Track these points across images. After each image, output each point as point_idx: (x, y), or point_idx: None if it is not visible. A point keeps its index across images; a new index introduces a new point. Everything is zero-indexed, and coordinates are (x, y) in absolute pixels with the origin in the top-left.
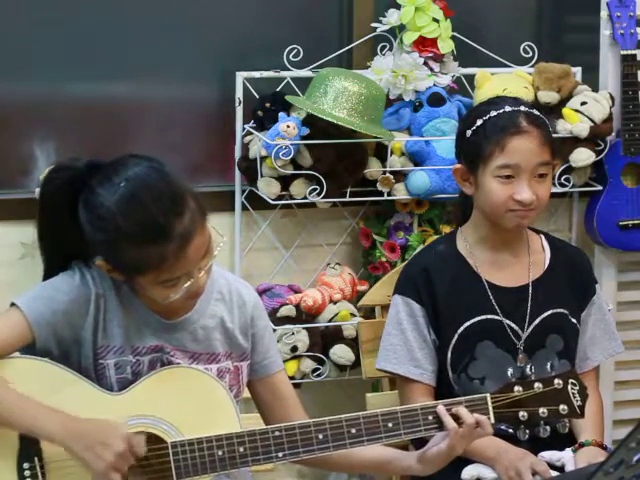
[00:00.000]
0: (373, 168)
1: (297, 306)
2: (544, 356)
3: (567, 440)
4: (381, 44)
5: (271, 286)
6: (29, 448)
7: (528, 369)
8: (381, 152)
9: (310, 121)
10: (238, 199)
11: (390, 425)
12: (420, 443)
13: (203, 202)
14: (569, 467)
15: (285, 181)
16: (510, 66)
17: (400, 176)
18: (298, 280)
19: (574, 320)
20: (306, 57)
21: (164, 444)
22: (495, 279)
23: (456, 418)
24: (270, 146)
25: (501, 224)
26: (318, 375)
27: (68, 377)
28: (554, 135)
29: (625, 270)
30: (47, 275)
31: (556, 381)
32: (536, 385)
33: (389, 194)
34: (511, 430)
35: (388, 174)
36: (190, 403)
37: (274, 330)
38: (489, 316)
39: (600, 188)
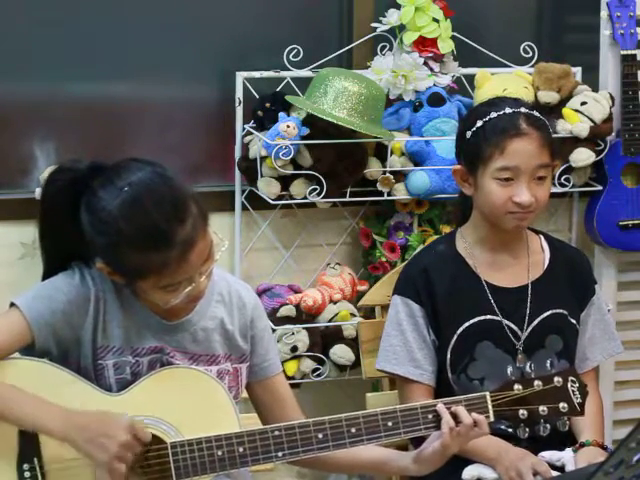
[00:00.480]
0: (373, 168)
1: (297, 306)
2: (543, 356)
3: (567, 439)
4: (381, 44)
5: (271, 286)
6: (29, 449)
7: (528, 367)
8: (381, 152)
9: (310, 121)
10: (238, 199)
11: (390, 424)
12: (419, 443)
13: (204, 206)
14: (569, 467)
15: (285, 181)
16: (510, 66)
17: (400, 176)
18: (298, 280)
19: (573, 320)
20: (306, 57)
21: (164, 444)
22: (494, 279)
23: (454, 417)
24: (270, 146)
25: (500, 225)
26: (318, 375)
27: (67, 378)
28: (554, 135)
29: (625, 270)
30: (46, 275)
31: (556, 379)
32: (536, 383)
33: (389, 194)
34: (511, 430)
35: (388, 174)
36: (190, 403)
37: (274, 330)
38: (488, 317)
39: (600, 188)
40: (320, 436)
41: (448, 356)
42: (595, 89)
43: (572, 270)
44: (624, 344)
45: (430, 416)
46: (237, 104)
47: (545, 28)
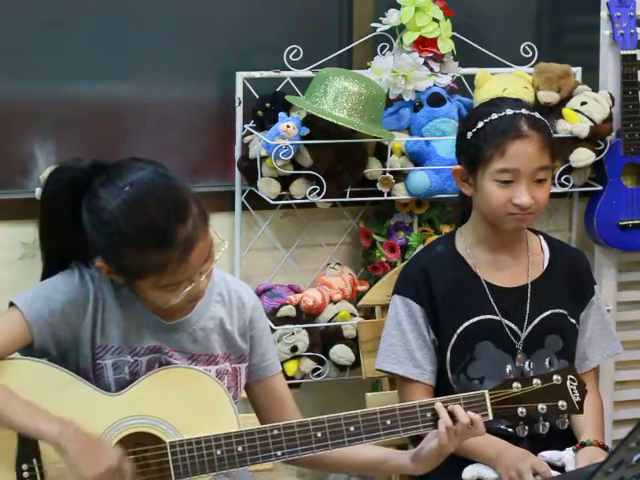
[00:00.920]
0: (373, 168)
1: (297, 306)
2: (543, 356)
3: (566, 437)
4: (381, 44)
5: (271, 286)
6: (28, 449)
7: (527, 366)
8: (381, 152)
9: (310, 121)
10: (238, 199)
11: (388, 423)
12: (419, 441)
13: (205, 206)
14: (570, 467)
15: (285, 181)
16: (510, 66)
17: (400, 176)
18: (298, 280)
19: (573, 320)
20: (306, 57)
21: (163, 444)
22: (494, 279)
23: (451, 416)
24: (270, 146)
25: (500, 225)
26: (318, 375)
27: (66, 378)
28: (554, 135)
29: (625, 270)
30: (46, 274)
31: (555, 377)
32: (535, 381)
33: (389, 194)
34: (511, 429)
35: (388, 174)
36: (189, 403)
37: (274, 330)
38: (488, 316)
39: (600, 188)
40: (319, 435)
41: (448, 356)
42: (595, 89)
43: (572, 270)
44: (624, 344)
45: (428, 414)
46: (237, 104)
47: (545, 28)
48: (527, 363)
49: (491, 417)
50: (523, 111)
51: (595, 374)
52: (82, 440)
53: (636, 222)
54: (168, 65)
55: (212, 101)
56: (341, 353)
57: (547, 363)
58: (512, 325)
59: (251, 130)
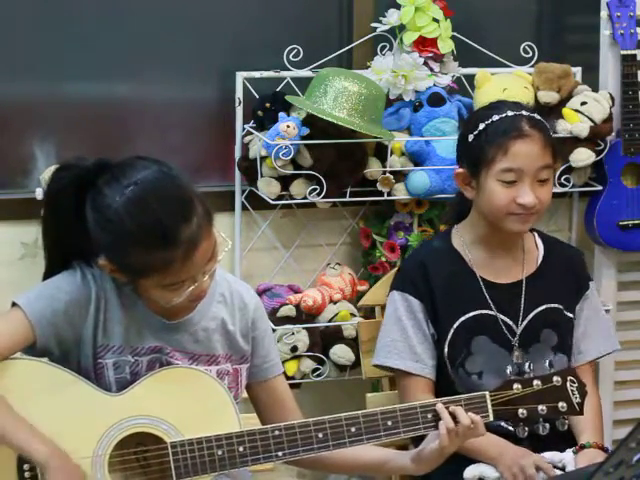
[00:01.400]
0: (373, 168)
1: (297, 306)
2: (540, 351)
3: (566, 438)
4: (381, 44)
5: (271, 286)
6: None
7: (527, 366)
8: (381, 152)
9: (310, 121)
10: (238, 199)
11: (389, 423)
12: (420, 442)
13: (209, 206)
14: (570, 468)
15: (285, 181)
16: (510, 66)
17: (400, 176)
18: (298, 280)
19: (570, 314)
20: (306, 57)
21: (164, 444)
22: (489, 275)
23: (453, 417)
24: (270, 146)
25: (502, 227)
26: (318, 375)
27: (67, 378)
28: (554, 135)
29: (625, 270)
30: (48, 274)
31: (555, 378)
32: (535, 382)
33: (389, 194)
34: (511, 428)
35: (388, 174)
36: (190, 403)
37: (274, 330)
38: (483, 311)
39: (600, 188)
40: (320, 436)
41: (446, 350)
42: (595, 89)
43: (566, 265)
44: (624, 344)
45: (429, 415)
46: (237, 104)
47: (545, 28)
48: (527, 364)
49: (492, 418)
50: (523, 112)
51: (592, 371)
52: (67, 471)
53: (636, 222)
54: (168, 65)
55: (212, 101)
56: (341, 353)
57: (547, 364)
58: (507, 320)
59: (251, 130)
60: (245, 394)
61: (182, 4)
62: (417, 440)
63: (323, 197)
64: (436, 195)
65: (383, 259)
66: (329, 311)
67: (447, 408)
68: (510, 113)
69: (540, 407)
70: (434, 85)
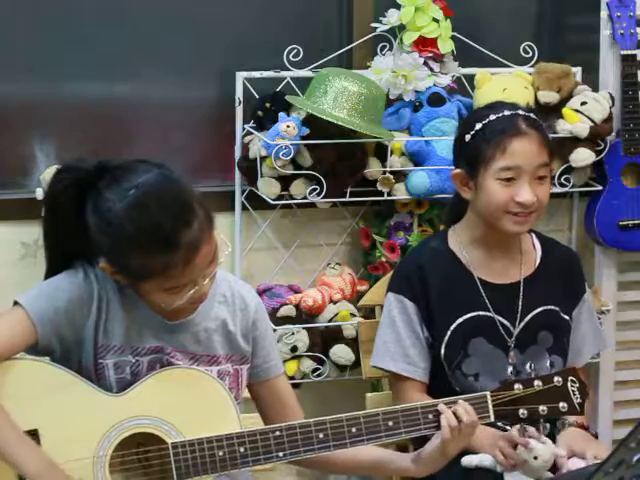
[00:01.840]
0: (373, 168)
1: (297, 306)
2: (537, 352)
3: None
4: (381, 44)
5: (271, 286)
6: None
7: (528, 366)
8: (381, 152)
9: (310, 121)
10: (238, 199)
11: (390, 424)
12: (420, 444)
13: (210, 209)
14: (549, 444)
15: (285, 181)
16: (510, 66)
17: (400, 176)
18: (298, 280)
19: (566, 317)
20: (306, 57)
21: (165, 445)
22: (487, 276)
23: (455, 416)
24: (270, 146)
25: (500, 228)
26: (318, 375)
27: (68, 378)
28: (554, 135)
29: (625, 270)
30: (49, 273)
31: (556, 379)
32: (536, 383)
33: (389, 194)
34: (510, 428)
35: (388, 174)
36: (190, 403)
37: (274, 330)
38: (481, 313)
39: (600, 188)
40: (321, 436)
41: (442, 352)
42: (595, 89)
43: (564, 268)
44: (624, 344)
45: (430, 416)
46: (237, 104)
47: (545, 28)
48: (529, 364)
49: (492, 419)
50: (520, 112)
51: (587, 371)
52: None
53: (636, 222)
54: (168, 65)
55: (212, 101)
56: (341, 353)
57: (548, 364)
58: (504, 321)
59: (251, 130)
60: (246, 394)
61: (182, 4)
62: (416, 442)
63: (323, 197)
64: (436, 195)
65: (383, 259)
66: (329, 311)
67: (449, 408)
68: (507, 112)
69: (541, 407)
70: (434, 85)
